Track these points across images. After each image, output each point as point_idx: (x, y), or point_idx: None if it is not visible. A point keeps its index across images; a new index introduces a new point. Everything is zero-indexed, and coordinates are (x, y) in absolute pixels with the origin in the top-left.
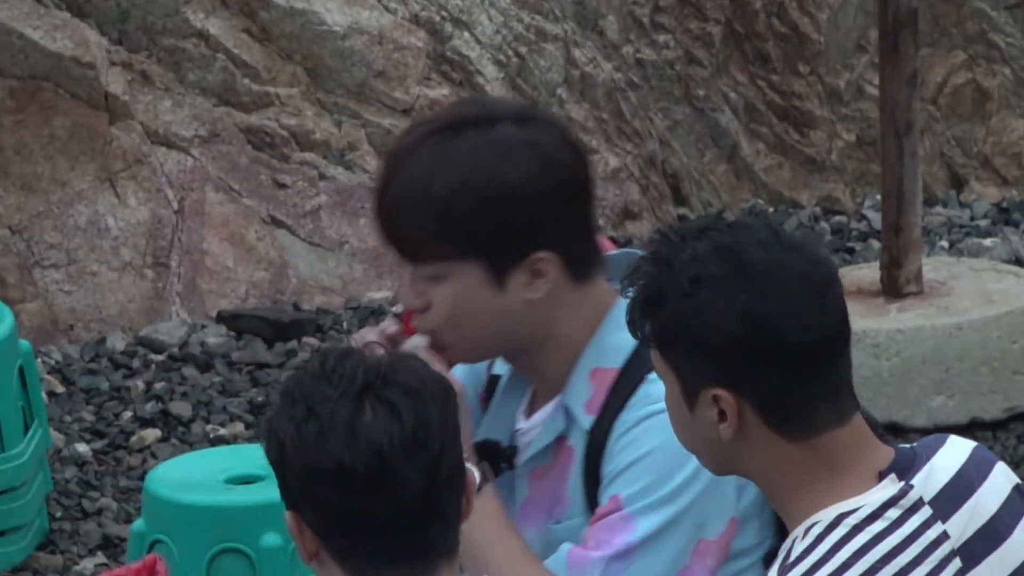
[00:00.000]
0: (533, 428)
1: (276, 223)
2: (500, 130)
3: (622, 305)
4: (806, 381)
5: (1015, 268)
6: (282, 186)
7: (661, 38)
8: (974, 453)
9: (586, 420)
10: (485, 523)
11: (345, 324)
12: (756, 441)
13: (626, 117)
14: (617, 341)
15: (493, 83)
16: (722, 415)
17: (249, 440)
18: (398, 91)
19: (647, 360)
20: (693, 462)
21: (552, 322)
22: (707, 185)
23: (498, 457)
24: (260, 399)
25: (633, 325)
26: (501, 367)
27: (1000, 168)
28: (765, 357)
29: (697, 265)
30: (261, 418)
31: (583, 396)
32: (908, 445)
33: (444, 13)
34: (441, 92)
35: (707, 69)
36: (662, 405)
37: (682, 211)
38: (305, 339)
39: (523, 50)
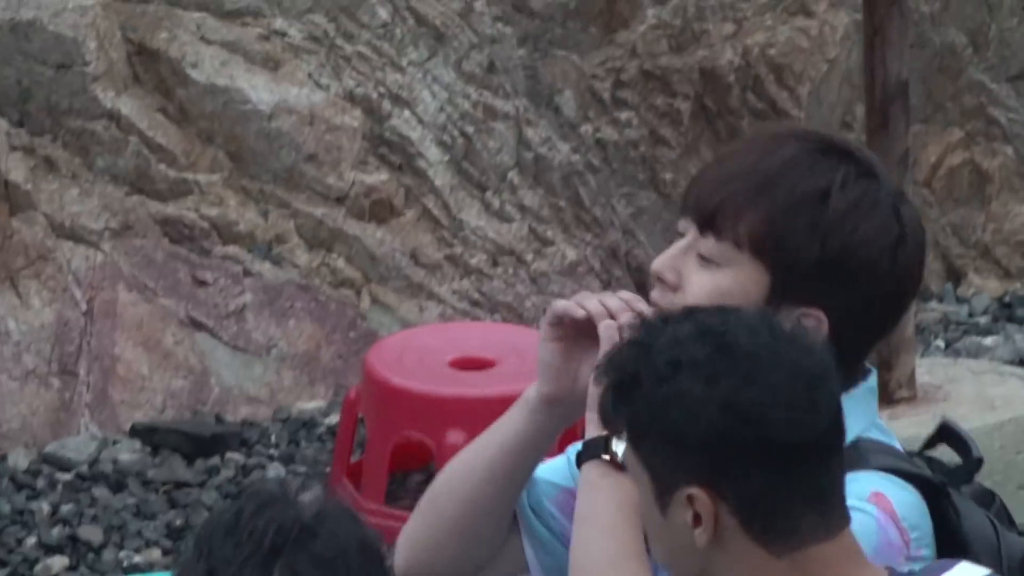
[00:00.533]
0: None
1: (196, 325)
2: (875, 183)
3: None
4: (791, 485)
5: (1019, 370)
6: (202, 284)
7: (623, 116)
8: None
9: None
10: None
11: (273, 438)
12: (733, 551)
13: (585, 204)
14: None
15: (437, 167)
16: (697, 518)
17: (166, 568)
18: (331, 177)
19: (853, 462)
20: None
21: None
22: None
23: None
24: (179, 522)
25: (605, 416)
26: None
27: (1001, 258)
28: (746, 454)
29: (677, 348)
30: (180, 543)
31: None
32: (908, 569)
33: (382, 89)
34: (379, 177)
35: (675, 150)
36: (855, 502)
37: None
38: (229, 455)
39: (470, 130)
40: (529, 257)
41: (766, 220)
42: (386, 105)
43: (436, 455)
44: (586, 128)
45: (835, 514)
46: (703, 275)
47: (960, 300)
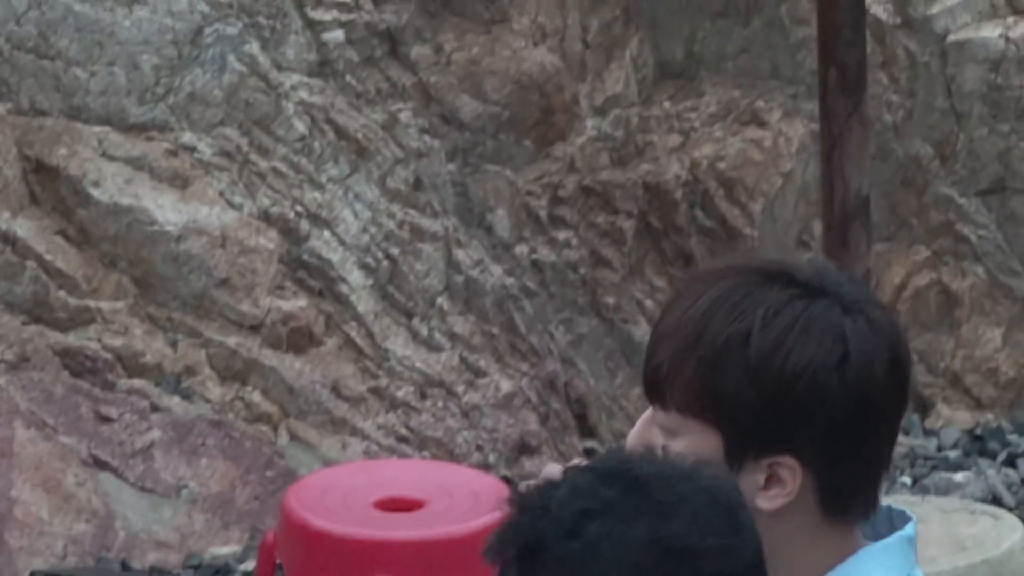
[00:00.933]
0: None
1: (99, 464)
2: (818, 304)
3: (869, 556)
4: None
5: (992, 508)
6: (106, 420)
7: (561, 235)
8: None
9: None
10: None
11: None
12: None
13: (520, 331)
14: None
15: (359, 292)
16: None
17: None
18: (245, 303)
19: None
20: None
21: (781, 547)
22: (619, 412)
23: None
24: None
25: None
26: None
27: (972, 388)
28: None
29: (582, 497)
30: None
31: None
32: None
33: (299, 208)
34: (297, 304)
35: (618, 271)
36: None
37: (589, 443)
38: None
39: (395, 251)
40: (460, 389)
41: (696, 378)
42: (304, 225)
43: None
44: (521, 249)
45: None
46: (675, 446)
47: (928, 433)
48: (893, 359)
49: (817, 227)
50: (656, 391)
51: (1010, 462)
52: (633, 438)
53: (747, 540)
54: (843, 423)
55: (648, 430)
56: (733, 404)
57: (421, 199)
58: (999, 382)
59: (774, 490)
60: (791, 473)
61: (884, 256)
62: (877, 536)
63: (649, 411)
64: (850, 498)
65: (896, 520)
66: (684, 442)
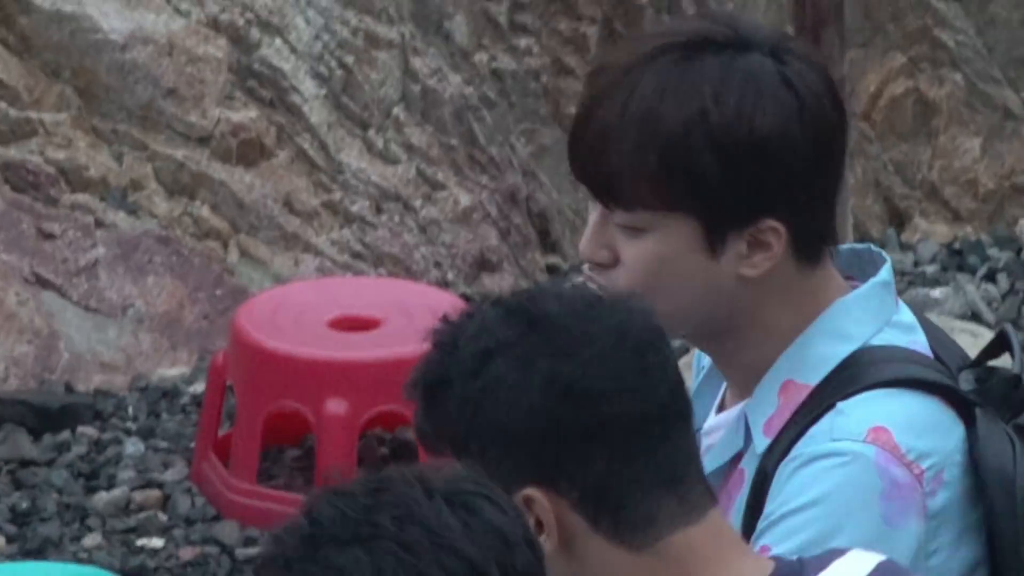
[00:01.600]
0: (716, 431)
1: (42, 283)
2: (752, 60)
3: (844, 308)
4: (637, 468)
5: (971, 325)
6: (49, 236)
7: (522, 42)
8: (881, 567)
9: (761, 443)
10: None
11: (131, 410)
12: (587, 553)
13: (480, 143)
14: (822, 352)
15: (312, 102)
16: (539, 524)
17: (11, 557)
18: (193, 114)
19: (848, 383)
20: (868, 518)
21: (760, 308)
22: (582, 226)
23: None
24: (24, 505)
25: (423, 436)
26: None
27: (951, 199)
28: (578, 438)
29: (484, 336)
30: (26, 530)
31: (766, 411)
32: (797, 558)
33: (250, 15)
34: (247, 115)
35: (581, 80)
36: (848, 445)
37: (552, 259)
38: (80, 429)
39: (349, 60)
40: (417, 203)
41: (663, 171)
42: (254, 33)
43: (314, 427)
44: (480, 57)
45: (695, 494)
46: (636, 246)
47: (904, 247)
48: (832, 89)
49: (790, 31)
50: (615, 192)
51: (990, 277)
52: (587, 245)
53: (656, 381)
54: (810, 168)
55: (604, 233)
56: (708, 186)
57: (376, 5)
58: (978, 194)
59: (758, 256)
60: (775, 235)
61: (858, 63)
62: (865, 276)
63: (597, 214)
64: (820, 241)
65: (877, 261)
66: (655, 237)
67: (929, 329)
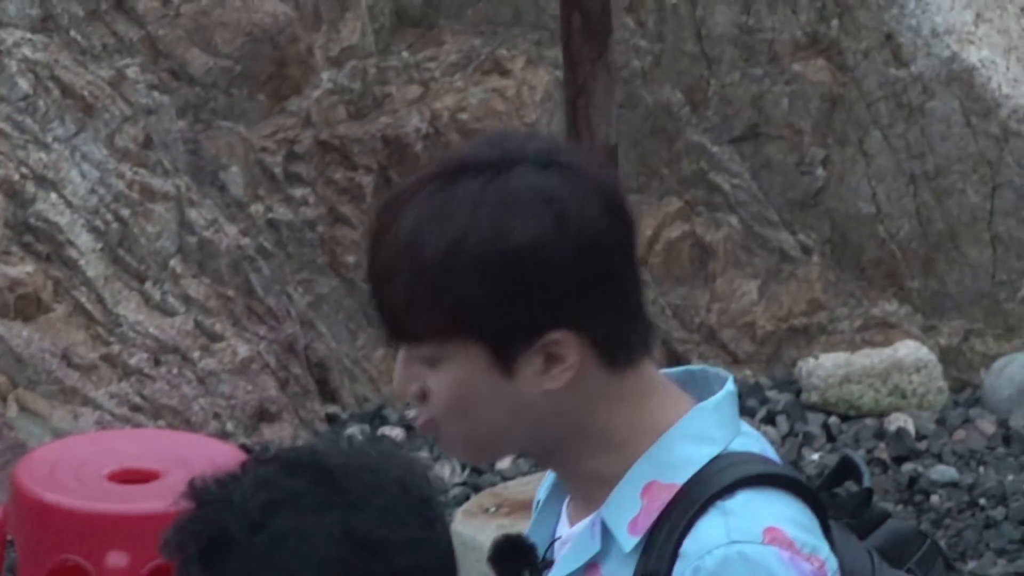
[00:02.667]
0: (570, 540)
1: None
2: (511, 178)
3: (703, 413)
4: None
5: None
6: None
7: (298, 192)
8: None
9: (628, 542)
10: None
11: None
12: None
13: (258, 294)
14: (687, 454)
15: (89, 256)
16: None
17: None
18: None
19: (721, 479)
20: None
21: (585, 418)
22: (361, 375)
23: (523, 559)
24: None
25: None
26: None
27: (729, 342)
28: None
29: (268, 488)
30: None
31: (628, 513)
32: None
33: (24, 170)
34: (24, 269)
35: (357, 229)
36: (751, 548)
37: (332, 408)
38: None
39: (125, 213)
40: (196, 355)
41: (434, 302)
42: (30, 187)
43: None
44: (256, 207)
45: None
46: (437, 377)
47: None
48: (605, 196)
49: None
50: (401, 331)
51: (769, 419)
52: (397, 382)
53: (439, 533)
54: (588, 277)
55: (410, 368)
56: (478, 309)
57: (151, 158)
58: (756, 336)
59: (555, 369)
60: (567, 346)
61: (634, 208)
62: (701, 398)
63: (402, 350)
64: (627, 340)
65: (712, 379)
66: (450, 366)
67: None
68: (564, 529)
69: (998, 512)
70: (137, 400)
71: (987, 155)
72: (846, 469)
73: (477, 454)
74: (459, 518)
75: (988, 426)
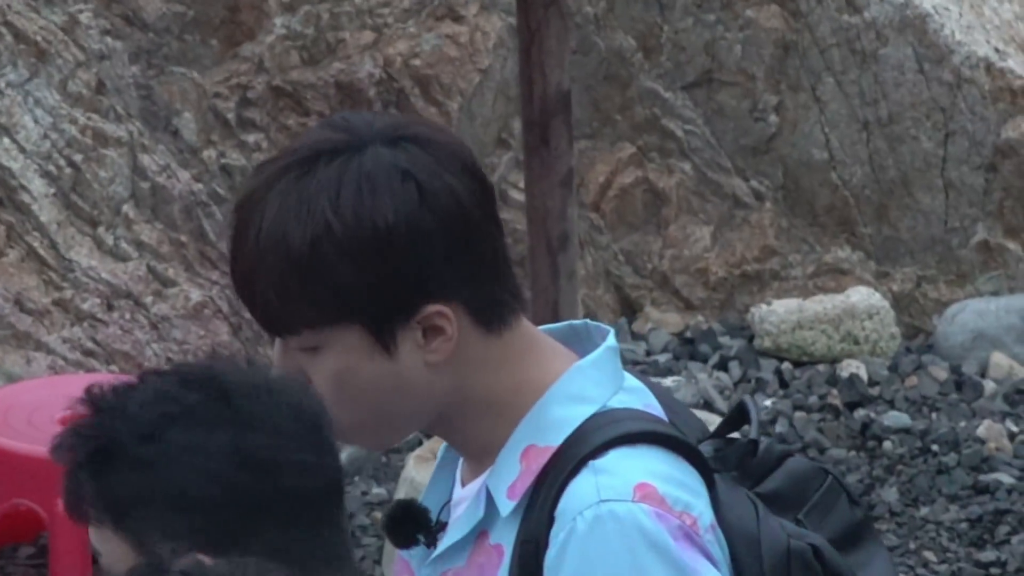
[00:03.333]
0: (461, 503)
1: None
2: (366, 159)
3: (580, 372)
4: (304, 543)
5: (704, 414)
6: None
7: (251, 138)
8: None
9: (505, 506)
10: None
11: None
12: None
13: (210, 238)
14: (562, 415)
15: (42, 200)
16: None
17: None
18: None
19: (594, 439)
20: (666, 571)
21: (466, 385)
22: None
23: (416, 525)
24: None
25: (74, 502)
26: None
27: (682, 288)
28: (254, 508)
29: (163, 401)
30: None
31: (508, 478)
32: None
33: None
34: None
35: None
36: (621, 507)
37: None
38: None
39: (78, 158)
40: (148, 300)
41: (308, 292)
42: None
43: (49, 525)
44: (209, 153)
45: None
46: (317, 365)
47: (636, 337)
48: (459, 162)
49: (517, 125)
50: (275, 322)
51: (722, 365)
52: (278, 369)
53: (328, 460)
54: (457, 245)
55: (290, 359)
56: (351, 294)
57: (104, 103)
58: (709, 283)
59: (435, 342)
60: (444, 318)
61: (587, 154)
62: (583, 353)
63: (278, 341)
64: (499, 301)
65: (595, 334)
66: (329, 353)
67: (666, 400)
68: (458, 491)
69: (950, 458)
70: (90, 345)
71: (940, 102)
72: (742, 416)
73: (374, 439)
74: (411, 463)
75: (940, 372)
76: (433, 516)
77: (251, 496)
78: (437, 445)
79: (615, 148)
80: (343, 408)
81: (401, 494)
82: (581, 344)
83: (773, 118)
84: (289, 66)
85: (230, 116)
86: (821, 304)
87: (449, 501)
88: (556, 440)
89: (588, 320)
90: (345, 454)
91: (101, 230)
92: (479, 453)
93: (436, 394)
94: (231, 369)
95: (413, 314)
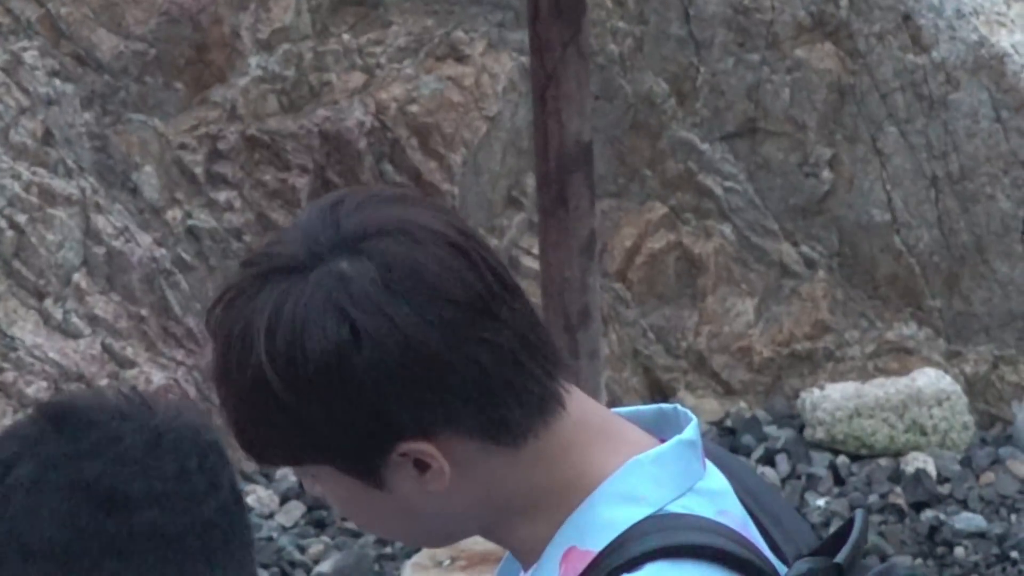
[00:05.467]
0: None
1: None
2: (309, 285)
3: (639, 467)
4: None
5: None
6: None
7: (222, 196)
8: None
9: None
10: None
11: None
12: None
13: (175, 313)
14: (609, 517)
15: None
16: None
17: None
18: None
19: (634, 550)
20: None
21: (494, 495)
22: None
23: None
24: None
25: None
26: None
27: (721, 371)
28: (107, 550)
29: (14, 439)
30: None
31: None
32: None
33: None
34: None
35: None
36: None
37: None
38: None
39: (21, 219)
40: (103, 383)
41: (261, 438)
42: None
43: None
44: (174, 213)
45: None
46: (323, 488)
47: None
48: (441, 266)
49: (530, 182)
50: (253, 455)
51: (768, 460)
52: (302, 482)
53: (200, 490)
54: (414, 382)
55: (307, 482)
56: (303, 436)
57: (52, 156)
58: (752, 364)
59: (429, 472)
60: (426, 453)
61: (611, 215)
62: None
63: None
64: (504, 420)
65: (683, 421)
66: (327, 484)
67: (769, 503)
68: None
69: None
70: None
71: (1020, 155)
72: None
73: (424, 544)
74: (408, 571)
75: (1021, 468)
76: None
77: (103, 537)
78: (436, 552)
79: (644, 208)
80: (372, 528)
81: None
82: (670, 431)
83: (827, 174)
84: (266, 113)
85: (198, 171)
86: (883, 388)
87: None
88: (597, 545)
89: (678, 406)
90: (331, 561)
91: (48, 302)
92: (528, 555)
93: (459, 508)
94: (89, 395)
95: (388, 452)
